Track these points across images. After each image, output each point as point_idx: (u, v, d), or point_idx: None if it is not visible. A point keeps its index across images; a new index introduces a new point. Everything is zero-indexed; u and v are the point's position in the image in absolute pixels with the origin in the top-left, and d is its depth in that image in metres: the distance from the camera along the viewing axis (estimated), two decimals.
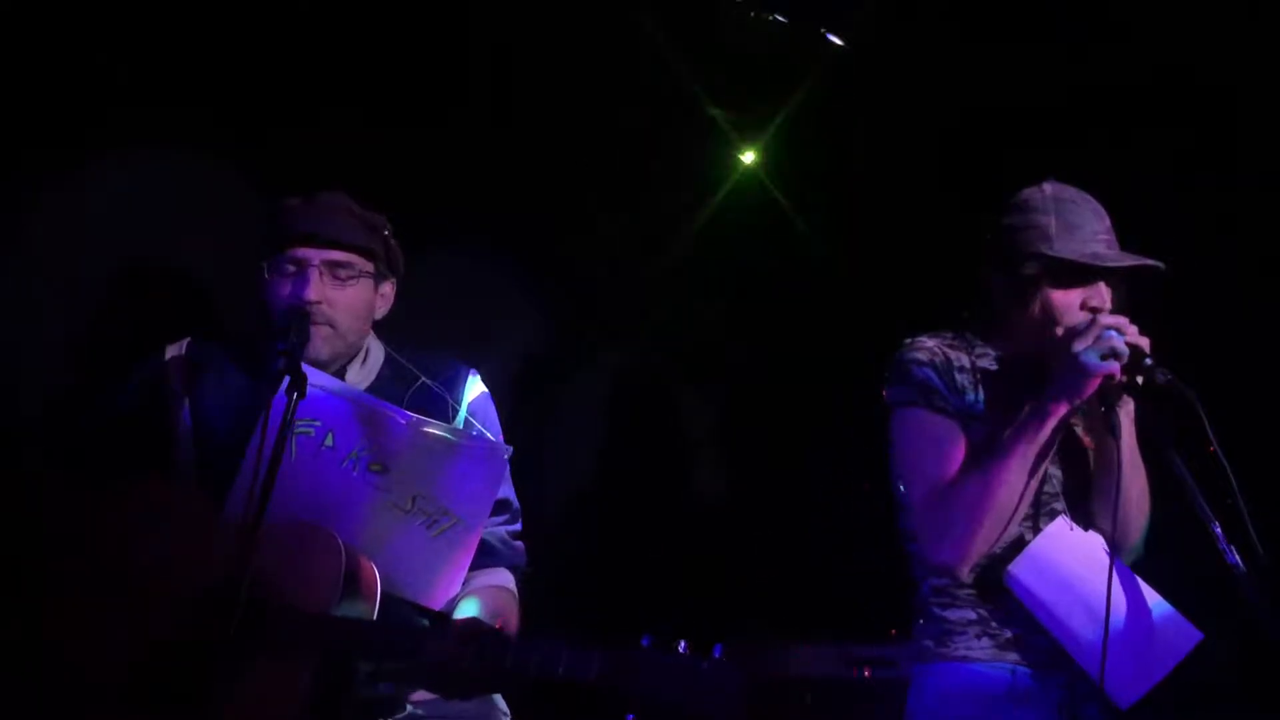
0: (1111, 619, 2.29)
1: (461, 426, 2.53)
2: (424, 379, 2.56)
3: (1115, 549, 2.34)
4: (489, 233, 4.21)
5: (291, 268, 2.44)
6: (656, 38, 4.22)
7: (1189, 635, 2.38)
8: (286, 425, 2.07)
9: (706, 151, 4.66)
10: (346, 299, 2.46)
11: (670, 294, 4.67)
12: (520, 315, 4.32)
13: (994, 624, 2.41)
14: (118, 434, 2.49)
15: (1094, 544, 2.42)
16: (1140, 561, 2.48)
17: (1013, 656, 2.40)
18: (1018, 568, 2.37)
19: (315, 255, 2.43)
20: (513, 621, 2.44)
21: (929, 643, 2.46)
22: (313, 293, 2.40)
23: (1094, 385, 2.31)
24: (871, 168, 4.56)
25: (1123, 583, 2.36)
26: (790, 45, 4.34)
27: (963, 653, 2.41)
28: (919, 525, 2.42)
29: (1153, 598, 2.39)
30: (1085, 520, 2.46)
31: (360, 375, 2.55)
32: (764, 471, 4.75)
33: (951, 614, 2.44)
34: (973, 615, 2.42)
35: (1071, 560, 2.37)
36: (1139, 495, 2.44)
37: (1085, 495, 2.48)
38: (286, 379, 2.12)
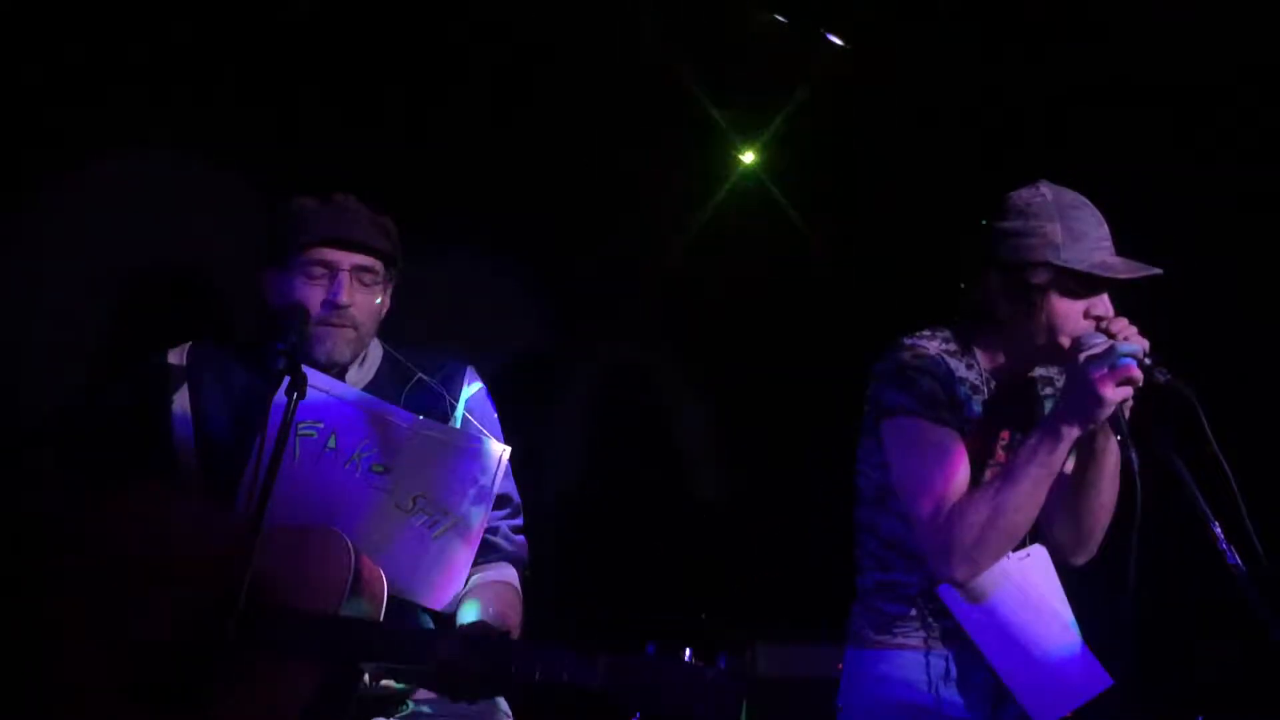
0: (1034, 648, 2.41)
1: (459, 423, 2.54)
2: (421, 375, 2.57)
3: (1122, 557, 2.34)
4: (489, 232, 4.21)
5: (320, 270, 2.44)
6: (656, 37, 4.22)
7: (1100, 679, 2.45)
8: (288, 425, 2.07)
9: (706, 151, 4.66)
10: (370, 303, 2.48)
11: (670, 293, 4.67)
12: (520, 314, 4.32)
13: (930, 618, 2.48)
14: (119, 434, 2.49)
15: (1031, 563, 2.48)
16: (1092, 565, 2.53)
17: (947, 645, 2.47)
18: (945, 591, 2.42)
19: (345, 259, 2.44)
20: (516, 618, 2.45)
21: (868, 631, 2.53)
22: (345, 296, 2.42)
23: (1109, 412, 2.30)
24: (871, 167, 4.56)
25: (1049, 618, 2.45)
26: (790, 45, 4.34)
27: (900, 640, 2.49)
28: (925, 540, 2.41)
29: (1071, 637, 2.47)
30: (1040, 531, 2.51)
31: (359, 374, 2.56)
32: (764, 471, 4.75)
33: (891, 607, 2.50)
34: (912, 611, 2.49)
35: (1001, 583, 2.43)
36: (1112, 501, 2.47)
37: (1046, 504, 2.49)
38: (287, 379, 2.12)
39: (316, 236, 2.45)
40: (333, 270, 2.44)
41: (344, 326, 2.44)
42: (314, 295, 2.43)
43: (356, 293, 2.46)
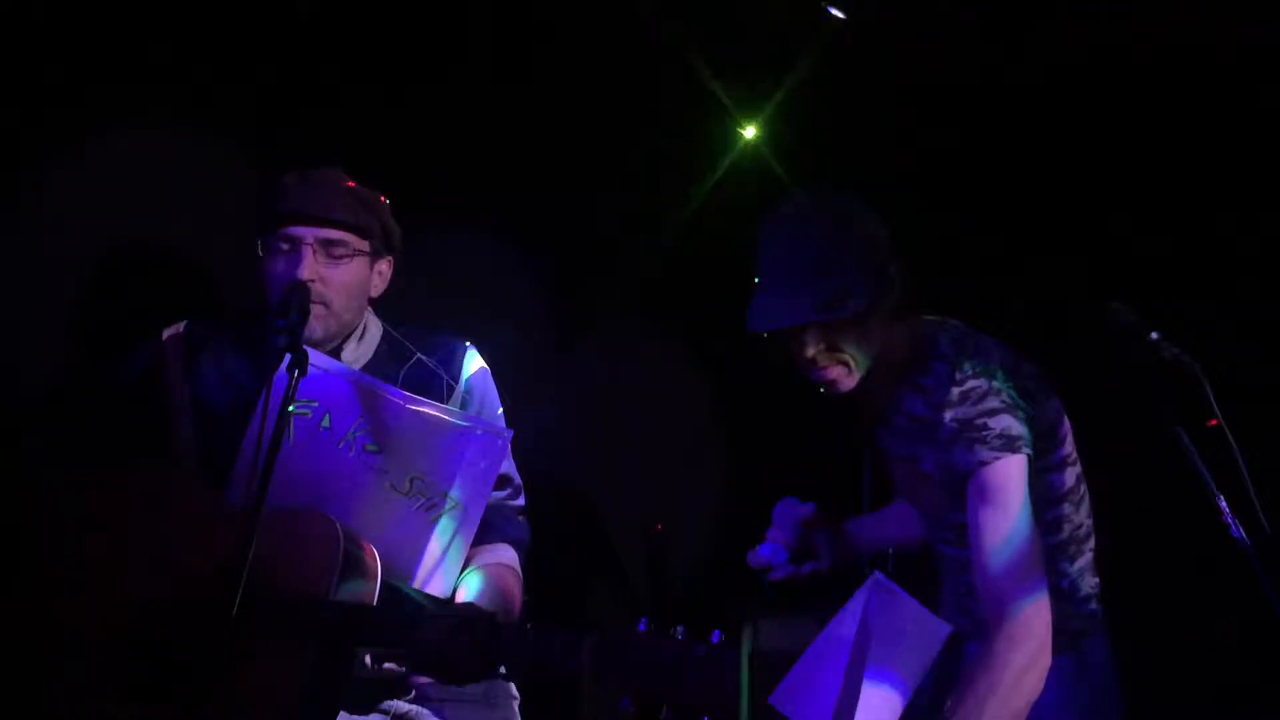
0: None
1: (459, 403, 2.52)
2: (419, 355, 2.55)
3: None
4: (488, 209, 4.19)
5: (285, 245, 2.42)
6: (657, 9, 4.19)
7: None
8: (288, 404, 2.05)
9: (707, 126, 4.63)
10: (340, 277, 2.44)
11: (670, 270, 4.66)
12: (518, 292, 4.30)
13: None
14: (117, 418, 2.48)
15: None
16: None
17: None
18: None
19: (309, 233, 2.41)
20: (516, 600, 2.43)
21: None
22: (306, 271, 2.38)
23: None
24: (874, 143, 4.54)
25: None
26: (792, 18, 4.31)
27: None
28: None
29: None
30: None
31: (357, 353, 2.53)
32: (764, 447, 4.75)
33: None
34: None
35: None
36: None
37: None
38: (288, 356, 2.10)
39: (282, 211, 2.42)
40: (296, 245, 2.42)
41: (313, 303, 2.40)
42: (283, 271, 2.40)
43: (324, 267, 2.41)
